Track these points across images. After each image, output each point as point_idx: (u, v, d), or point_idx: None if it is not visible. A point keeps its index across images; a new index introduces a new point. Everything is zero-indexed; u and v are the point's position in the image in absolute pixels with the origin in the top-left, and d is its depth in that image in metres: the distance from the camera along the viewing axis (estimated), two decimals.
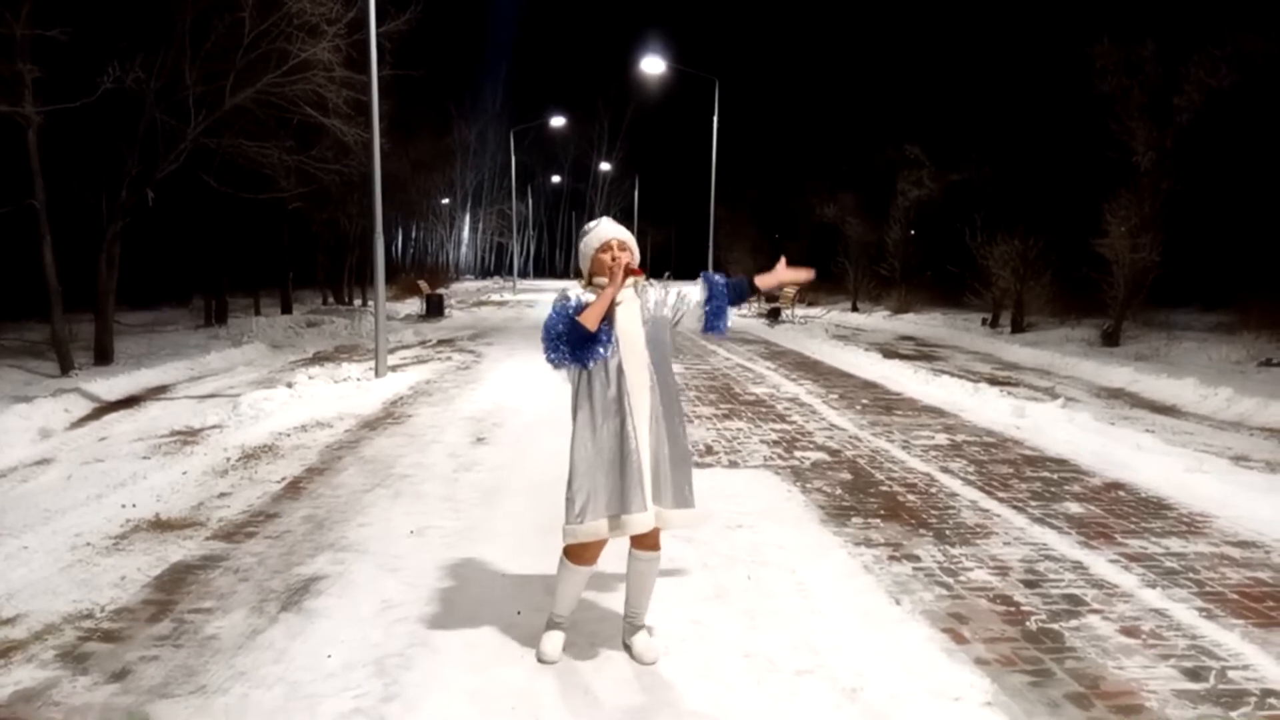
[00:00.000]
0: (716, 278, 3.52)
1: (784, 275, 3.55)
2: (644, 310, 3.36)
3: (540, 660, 3.44)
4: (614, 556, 3.67)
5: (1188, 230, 18.04)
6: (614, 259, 3.29)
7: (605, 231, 3.37)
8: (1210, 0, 15.94)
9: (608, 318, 3.25)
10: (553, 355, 3.26)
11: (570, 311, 3.24)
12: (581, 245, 3.41)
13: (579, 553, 3.37)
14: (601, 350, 3.24)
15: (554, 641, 3.50)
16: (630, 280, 3.36)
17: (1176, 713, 3.10)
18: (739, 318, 25.65)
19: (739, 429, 8.24)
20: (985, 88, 24.11)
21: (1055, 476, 6.50)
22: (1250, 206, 18.50)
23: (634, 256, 3.40)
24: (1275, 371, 12.21)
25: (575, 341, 3.21)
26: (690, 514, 3.35)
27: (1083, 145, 18.89)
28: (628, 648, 3.51)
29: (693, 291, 3.50)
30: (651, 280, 3.49)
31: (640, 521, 3.24)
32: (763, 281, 3.56)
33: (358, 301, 30.11)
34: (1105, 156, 16.82)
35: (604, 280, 3.31)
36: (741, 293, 3.50)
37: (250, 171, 15.54)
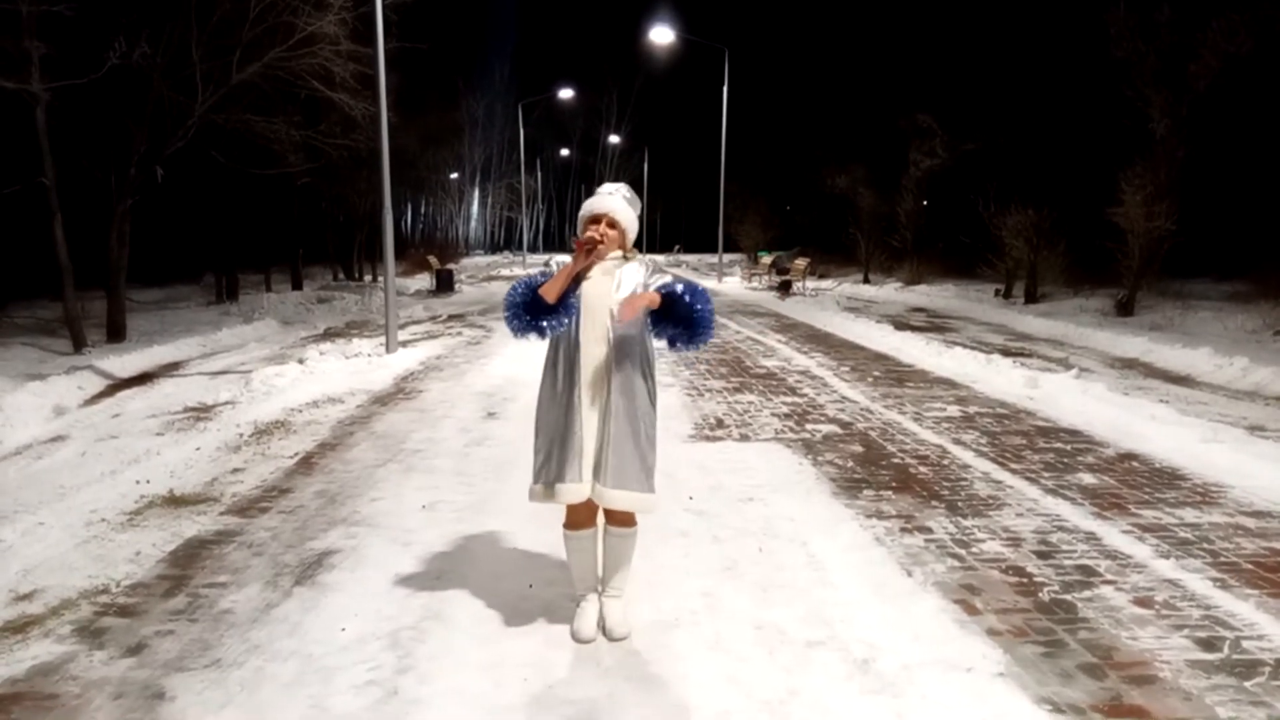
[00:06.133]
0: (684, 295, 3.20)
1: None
2: (620, 287, 3.26)
3: (577, 640, 3.39)
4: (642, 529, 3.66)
5: (1204, 199, 17.79)
6: (600, 234, 3.25)
7: (599, 205, 3.33)
8: None
9: (574, 290, 3.23)
10: (512, 322, 3.25)
11: (536, 282, 3.23)
12: (583, 207, 3.39)
13: (568, 517, 3.40)
14: (564, 321, 3.23)
15: (586, 618, 3.44)
16: (616, 254, 3.30)
17: (1190, 683, 3.09)
18: (748, 291, 25.55)
19: (750, 402, 8.23)
20: (998, 55, 23.77)
21: (1068, 447, 6.47)
22: (1267, 174, 18.21)
23: (627, 234, 3.33)
24: None
25: (533, 311, 3.20)
26: (630, 496, 3.24)
27: (1097, 113, 18.66)
28: (602, 619, 3.45)
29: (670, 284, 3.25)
30: (644, 258, 3.38)
31: (571, 492, 3.24)
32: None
33: (368, 277, 30.10)
34: (1120, 124, 16.60)
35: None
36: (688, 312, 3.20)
37: (258, 147, 15.52)
